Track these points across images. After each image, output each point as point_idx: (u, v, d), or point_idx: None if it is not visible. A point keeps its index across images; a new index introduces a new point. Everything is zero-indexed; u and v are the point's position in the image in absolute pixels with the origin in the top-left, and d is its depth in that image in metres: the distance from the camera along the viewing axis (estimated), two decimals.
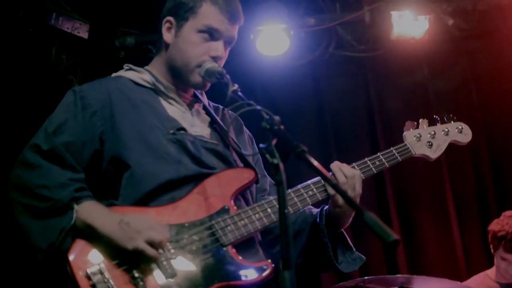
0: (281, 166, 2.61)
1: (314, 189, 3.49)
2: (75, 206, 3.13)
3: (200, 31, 3.48)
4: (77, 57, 6.99)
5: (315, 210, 3.65)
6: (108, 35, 7.15)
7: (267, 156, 2.66)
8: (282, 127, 2.76)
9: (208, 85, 3.58)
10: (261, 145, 2.71)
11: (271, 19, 6.94)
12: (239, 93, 3.19)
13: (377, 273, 6.61)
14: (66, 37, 6.65)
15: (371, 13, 7.19)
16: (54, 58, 6.80)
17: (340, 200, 3.46)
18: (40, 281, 5.85)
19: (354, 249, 3.70)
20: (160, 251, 3.08)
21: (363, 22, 7.25)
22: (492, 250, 6.05)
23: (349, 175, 3.49)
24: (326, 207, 3.60)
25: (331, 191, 3.47)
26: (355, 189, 3.49)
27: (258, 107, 2.91)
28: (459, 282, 5.32)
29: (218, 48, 3.48)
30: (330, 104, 7.68)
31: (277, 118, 2.79)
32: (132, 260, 3.08)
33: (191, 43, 3.50)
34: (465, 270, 7.05)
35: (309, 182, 3.52)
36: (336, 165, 3.54)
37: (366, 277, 5.13)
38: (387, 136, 7.48)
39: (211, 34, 3.48)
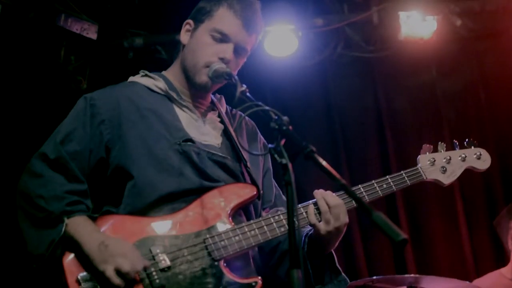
0: (290, 166, 2.62)
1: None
2: (66, 220, 3.21)
3: (212, 33, 3.51)
4: (85, 58, 7.02)
5: (305, 231, 3.56)
6: (116, 36, 7.17)
7: (276, 156, 2.68)
8: (290, 127, 2.77)
9: (214, 87, 3.59)
10: (269, 146, 2.74)
11: (279, 20, 6.94)
12: (248, 94, 3.20)
13: (386, 273, 6.61)
14: (75, 38, 6.68)
15: (379, 13, 7.20)
16: (63, 59, 6.84)
17: (322, 230, 3.37)
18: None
19: (341, 271, 3.59)
20: (125, 281, 3.08)
21: (371, 23, 7.25)
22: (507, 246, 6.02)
23: (332, 204, 3.37)
24: (311, 231, 3.50)
25: (312, 220, 3.39)
26: (339, 219, 3.37)
27: (267, 108, 2.92)
28: (467, 282, 5.33)
29: (227, 50, 3.49)
30: (339, 104, 7.68)
31: (285, 118, 2.81)
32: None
33: (202, 43, 3.52)
34: (473, 270, 7.04)
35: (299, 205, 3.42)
36: (319, 193, 3.43)
37: (374, 277, 5.15)
38: (395, 136, 7.48)
39: (222, 36, 3.50)
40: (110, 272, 3.06)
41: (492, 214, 7.16)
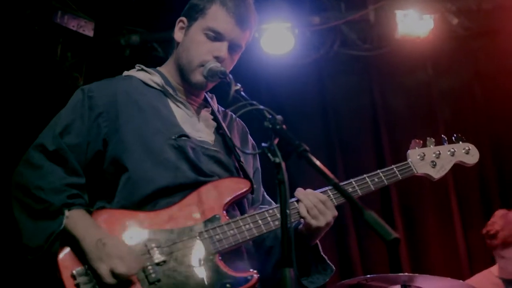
0: (283, 165, 2.64)
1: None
2: (66, 212, 3.17)
3: (205, 31, 3.50)
4: (82, 55, 7.02)
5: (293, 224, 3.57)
6: (113, 33, 7.19)
7: (269, 155, 2.69)
8: (284, 126, 2.78)
9: (210, 85, 3.58)
10: (263, 144, 2.74)
11: (276, 18, 6.96)
12: (242, 93, 3.19)
13: (380, 271, 6.62)
14: (72, 35, 6.69)
15: (375, 12, 7.22)
16: (60, 56, 6.84)
17: (313, 224, 3.40)
18: (31, 282, 5.86)
19: (326, 259, 3.63)
20: (118, 282, 3.08)
21: (368, 21, 7.27)
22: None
23: (315, 201, 3.41)
24: (300, 225, 3.53)
25: (303, 213, 3.42)
26: (326, 213, 3.41)
27: (261, 107, 2.93)
28: (461, 281, 5.34)
29: (221, 48, 3.48)
30: (334, 102, 7.70)
31: (279, 117, 2.82)
32: None
33: (196, 42, 3.51)
34: (467, 269, 7.06)
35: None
36: (301, 193, 3.46)
37: (368, 275, 5.15)
38: (390, 134, 7.49)
39: (216, 34, 3.49)
40: (103, 271, 3.05)
41: (487, 214, 7.17)
